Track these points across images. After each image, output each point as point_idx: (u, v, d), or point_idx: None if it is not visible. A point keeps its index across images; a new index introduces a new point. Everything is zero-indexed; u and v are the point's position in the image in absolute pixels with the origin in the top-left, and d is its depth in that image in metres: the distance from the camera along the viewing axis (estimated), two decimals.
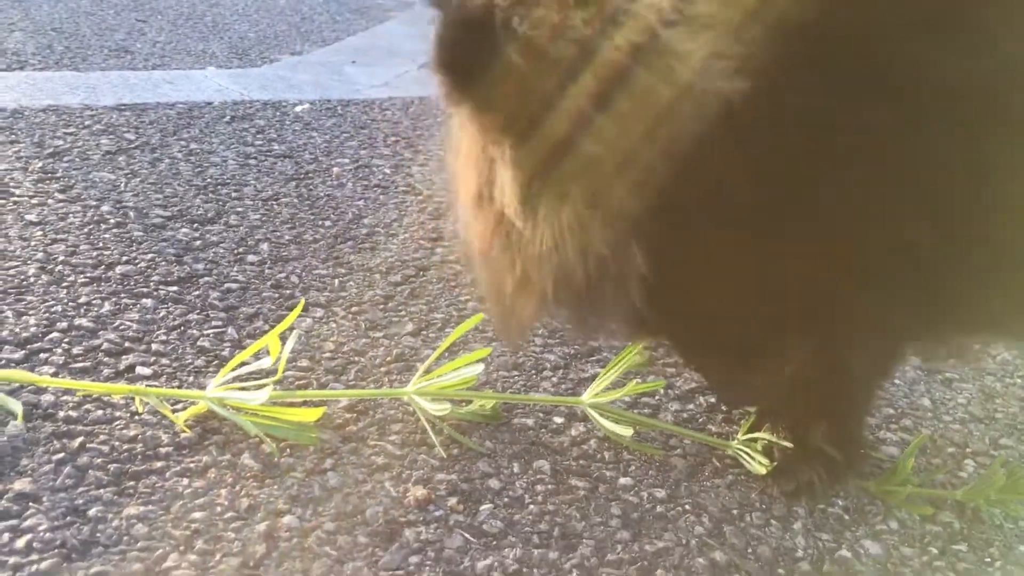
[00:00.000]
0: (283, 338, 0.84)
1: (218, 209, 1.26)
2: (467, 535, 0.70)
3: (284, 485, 0.73)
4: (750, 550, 0.72)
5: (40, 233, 1.11)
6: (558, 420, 0.86)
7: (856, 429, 0.85)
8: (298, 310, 0.87)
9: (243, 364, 0.82)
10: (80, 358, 0.87)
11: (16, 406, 0.75)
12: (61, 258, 1.05)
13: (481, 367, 0.83)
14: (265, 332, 0.95)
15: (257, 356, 0.84)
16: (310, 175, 1.46)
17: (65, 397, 0.80)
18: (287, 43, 2.46)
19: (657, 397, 0.92)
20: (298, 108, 1.83)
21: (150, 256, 1.09)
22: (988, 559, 0.75)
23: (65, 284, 1.00)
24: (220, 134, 1.60)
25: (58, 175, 1.31)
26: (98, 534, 0.65)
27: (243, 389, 0.80)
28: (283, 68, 2.17)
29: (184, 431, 0.77)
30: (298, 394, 0.83)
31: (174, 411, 0.79)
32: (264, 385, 0.79)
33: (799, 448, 0.80)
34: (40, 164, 1.33)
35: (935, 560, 0.74)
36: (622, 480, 0.79)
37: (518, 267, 0.65)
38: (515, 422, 0.85)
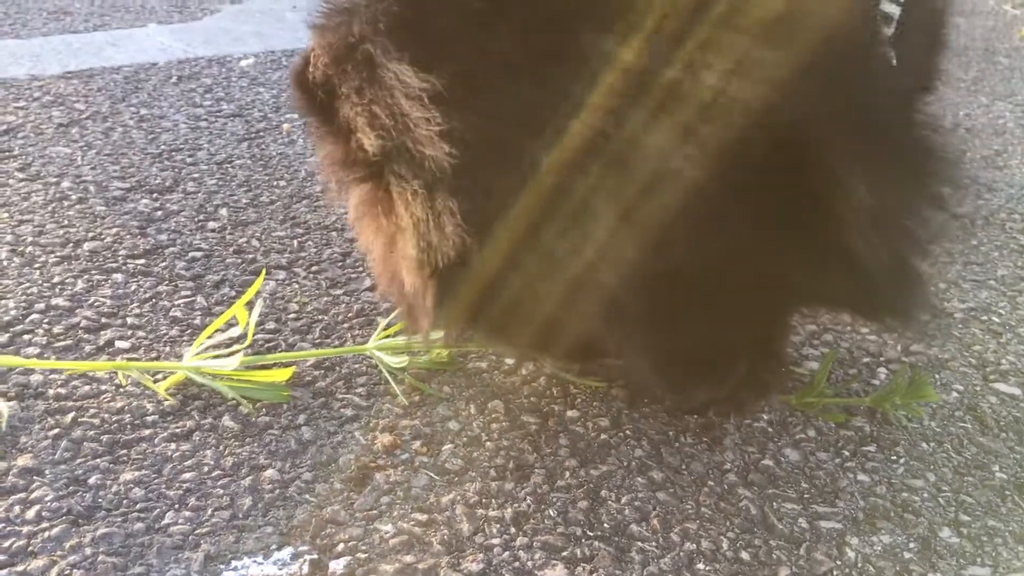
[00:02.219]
0: (250, 305, 0.91)
1: (175, 177, 1.31)
2: (431, 474, 0.79)
3: (263, 442, 0.81)
4: (684, 467, 0.81)
5: (6, 215, 1.15)
6: (509, 361, 0.94)
7: (779, 348, 0.94)
8: (259, 281, 0.93)
9: (216, 332, 0.89)
10: (61, 336, 0.93)
11: (4, 409, 0.81)
12: (30, 239, 1.11)
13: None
14: (232, 298, 1.02)
15: (228, 323, 0.91)
16: (261, 134, 1.50)
17: (53, 376, 0.86)
18: None
19: None
20: (243, 63, 1.85)
21: (114, 230, 1.14)
22: (894, 457, 0.85)
23: (37, 265, 1.05)
24: (168, 96, 1.63)
25: (15, 153, 1.34)
26: (100, 499, 0.73)
27: (217, 357, 0.87)
28: (224, 19, 2.18)
29: (167, 399, 0.84)
30: (268, 357, 0.90)
31: (155, 381, 0.86)
32: (235, 352, 0.87)
33: (727, 371, 0.89)
34: None
35: (847, 461, 0.83)
36: (569, 413, 0.87)
37: (402, 270, 0.73)
38: (470, 366, 0.93)
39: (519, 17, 0.66)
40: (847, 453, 0.85)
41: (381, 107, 0.67)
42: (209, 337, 0.89)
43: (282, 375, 0.87)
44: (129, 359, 0.90)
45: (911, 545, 0.74)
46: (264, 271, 1.04)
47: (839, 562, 0.72)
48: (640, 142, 0.66)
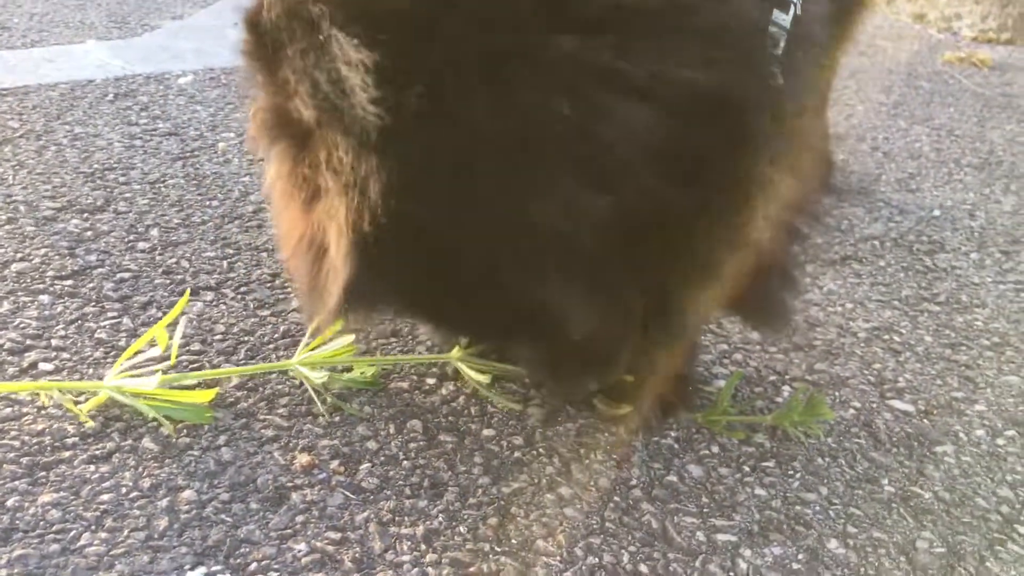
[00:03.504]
0: (172, 326, 0.93)
1: (106, 196, 1.32)
2: (347, 493, 0.81)
3: (182, 463, 0.83)
4: (592, 483, 0.85)
5: None
6: (430, 381, 0.97)
7: (687, 369, 0.98)
8: (183, 302, 0.95)
9: (139, 353, 0.91)
10: None
11: None
12: None
13: (352, 337, 0.94)
14: (158, 319, 1.03)
15: (150, 343, 0.92)
16: (196, 152, 1.51)
17: None
18: (168, 7, 2.45)
19: None
20: (181, 80, 1.86)
21: (43, 251, 1.15)
22: (791, 471, 0.89)
23: None
24: (104, 115, 1.64)
25: None
26: (17, 521, 0.74)
27: (138, 377, 0.88)
28: (164, 36, 2.18)
29: (87, 422, 0.86)
30: (190, 376, 0.92)
31: (77, 403, 0.87)
32: (156, 371, 0.89)
33: (636, 390, 0.93)
34: None
35: (746, 476, 0.88)
36: (485, 432, 0.91)
37: (318, 244, 0.73)
38: (392, 386, 0.96)
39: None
40: (747, 468, 0.89)
41: (322, 74, 0.68)
42: (132, 357, 0.90)
43: (205, 396, 0.89)
44: (52, 381, 0.92)
45: (800, 556, 0.78)
46: (188, 292, 1.06)
47: (732, 574, 0.76)
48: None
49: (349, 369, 0.95)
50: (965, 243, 1.42)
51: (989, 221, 1.51)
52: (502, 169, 0.70)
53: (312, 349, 0.95)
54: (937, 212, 1.53)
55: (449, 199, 0.70)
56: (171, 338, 0.91)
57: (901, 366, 1.08)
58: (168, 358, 0.92)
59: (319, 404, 0.90)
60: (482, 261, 0.74)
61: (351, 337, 0.94)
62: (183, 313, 0.97)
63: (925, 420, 0.98)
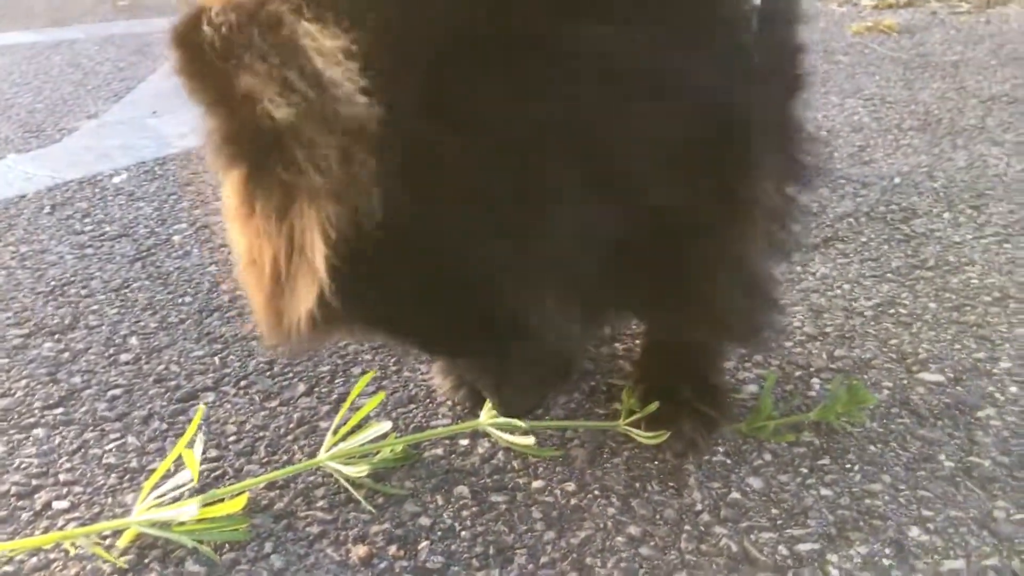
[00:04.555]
0: (190, 444, 0.88)
1: (73, 313, 1.26)
2: None
3: None
4: (658, 516, 0.83)
5: None
6: (464, 442, 0.94)
7: (718, 380, 0.97)
8: (197, 419, 0.90)
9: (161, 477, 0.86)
10: None
11: None
12: None
13: (389, 424, 0.90)
14: (164, 431, 0.98)
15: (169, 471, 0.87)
16: (152, 251, 1.46)
17: None
18: (80, 106, 2.38)
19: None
20: (115, 179, 1.80)
21: (23, 382, 1.09)
22: (848, 465, 0.88)
23: None
24: (46, 228, 1.57)
25: None
26: None
27: (167, 505, 0.83)
28: (85, 137, 2.11)
29: (121, 566, 0.80)
30: (218, 492, 0.86)
31: (105, 539, 0.82)
32: (183, 493, 0.84)
33: (675, 411, 0.91)
34: None
35: (807, 479, 0.86)
36: (535, 484, 0.88)
37: (274, 272, 0.68)
38: (426, 455, 0.93)
39: None
40: (805, 470, 0.88)
41: (293, 71, 0.60)
42: (154, 487, 0.85)
43: (237, 505, 0.84)
44: (70, 519, 0.86)
45: (887, 551, 0.77)
46: (203, 407, 1.00)
47: None
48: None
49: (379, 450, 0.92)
50: (935, 205, 1.44)
51: (949, 180, 1.54)
52: (511, 169, 0.64)
53: (338, 440, 0.90)
54: (897, 179, 1.55)
55: (451, 199, 0.65)
56: (196, 461, 0.86)
57: (916, 337, 1.08)
58: (190, 478, 0.87)
59: (356, 494, 0.86)
60: (478, 270, 0.68)
61: (384, 426, 0.91)
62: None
63: (958, 387, 0.98)
